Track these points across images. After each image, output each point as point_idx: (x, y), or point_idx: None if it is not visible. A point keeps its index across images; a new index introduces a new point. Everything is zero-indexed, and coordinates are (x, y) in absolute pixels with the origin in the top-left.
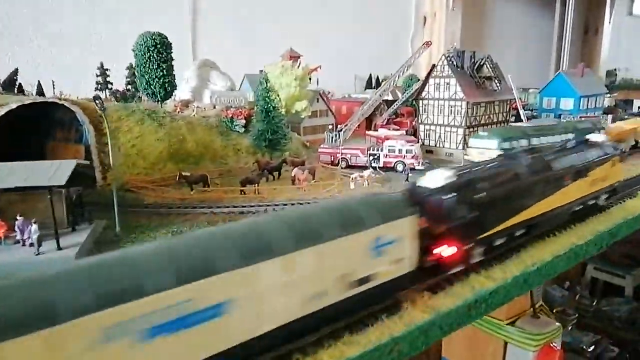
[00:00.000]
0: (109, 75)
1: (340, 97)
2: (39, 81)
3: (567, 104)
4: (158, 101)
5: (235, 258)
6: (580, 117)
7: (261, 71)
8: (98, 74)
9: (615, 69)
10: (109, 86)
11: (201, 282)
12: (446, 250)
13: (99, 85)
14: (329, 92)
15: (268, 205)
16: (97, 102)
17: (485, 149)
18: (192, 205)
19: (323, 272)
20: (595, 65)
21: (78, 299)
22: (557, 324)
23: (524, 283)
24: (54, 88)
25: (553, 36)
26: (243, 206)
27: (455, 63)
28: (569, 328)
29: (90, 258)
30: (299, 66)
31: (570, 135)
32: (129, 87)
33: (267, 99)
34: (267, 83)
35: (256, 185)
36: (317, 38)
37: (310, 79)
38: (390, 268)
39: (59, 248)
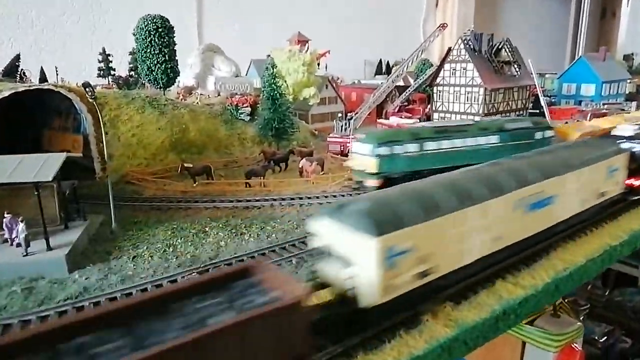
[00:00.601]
0: (111, 61)
1: (350, 83)
2: (41, 67)
3: (589, 89)
4: (160, 88)
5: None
6: (602, 104)
7: (268, 56)
8: (100, 59)
9: (632, 54)
10: (112, 72)
11: (545, 182)
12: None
13: (101, 72)
14: (338, 78)
15: (274, 200)
16: (87, 89)
17: (362, 154)
18: (194, 199)
19: (588, 186)
20: (612, 49)
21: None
22: (579, 323)
23: (555, 290)
24: (57, 74)
25: (569, 19)
26: (248, 200)
27: (472, 47)
28: (581, 318)
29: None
30: (306, 51)
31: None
32: (132, 73)
33: (273, 85)
34: (273, 69)
35: (261, 177)
36: (325, 21)
37: (318, 64)
38: (613, 188)
39: (49, 248)
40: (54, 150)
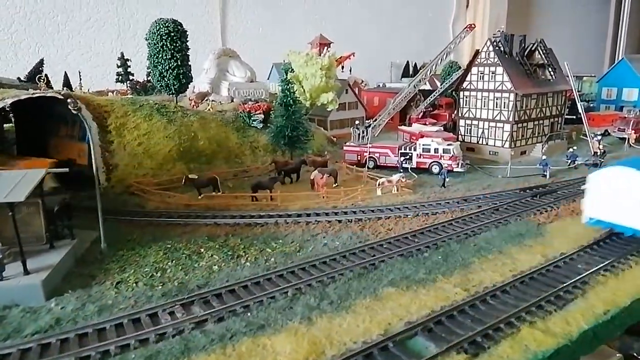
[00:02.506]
0: (129, 66)
1: (374, 87)
2: (65, 72)
3: (631, 94)
4: (172, 94)
5: None
6: None
7: (284, 61)
8: (119, 64)
9: None
10: (130, 78)
11: None
12: None
13: (120, 77)
14: (362, 82)
15: (280, 216)
16: (69, 100)
17: None
18: (196, 213)
19: None
20: None
21: None
22: (618, 355)
23: (594, 338)
24: (80, 79)
25: (609, 18)
26: (251, 216)
27: (502, 49)
28: (618, 333)
29: None
30: (325, 54)
31: None
32: (149, 78)
33: (287, 91)
34: (286, 74)
35: (269, 191)
36: (351, 23)
37: (342, 67)
38: None
39: (26, 272)
40: (59, 159)
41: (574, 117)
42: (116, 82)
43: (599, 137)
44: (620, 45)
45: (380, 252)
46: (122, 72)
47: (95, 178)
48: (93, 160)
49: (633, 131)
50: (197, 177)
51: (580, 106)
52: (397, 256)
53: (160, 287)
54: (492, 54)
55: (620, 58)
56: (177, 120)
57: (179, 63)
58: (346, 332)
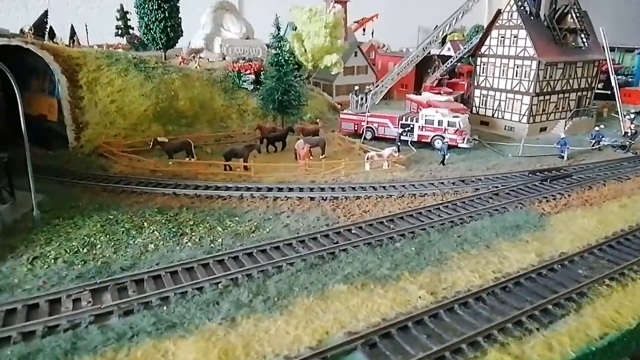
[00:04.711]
0: (129, 19)
1: (392, 52)
2: (71, 25)
3: None
4: (160, 49)
5: None
6: None
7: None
8: (118, 17)
9: None
10: (130, 31)
11: None
12: None
13: (119, 30)
14: (384, 46)
15: (247, 189)
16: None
17: None
18: (158, 181)
19: None
20: None
21: None
22: None
23: None
24: (87, 32)
25: None
26: (216, 187)
27: (528, 10)
28: None
29: None
30: (331, 11)
31: None
32: None
33: (278, 49)
34: (278, 30)
35: (243, 160)
36: None
37: (364, 29)
38: None
39: None
40: (31, 114)
41: (608, 92)
42: (115, 35)
43: (632, 116)
44: None
45: (345, 239)
46: (122, 26)
47: (24, 135)
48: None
49: None
50: (167, 140)
51: (613, 79)
52: (363, 245)
53: (79, 266)
54: (515, 15)
55: None
56: (156, 77)
57: (167, 15)
58: (271, 340)
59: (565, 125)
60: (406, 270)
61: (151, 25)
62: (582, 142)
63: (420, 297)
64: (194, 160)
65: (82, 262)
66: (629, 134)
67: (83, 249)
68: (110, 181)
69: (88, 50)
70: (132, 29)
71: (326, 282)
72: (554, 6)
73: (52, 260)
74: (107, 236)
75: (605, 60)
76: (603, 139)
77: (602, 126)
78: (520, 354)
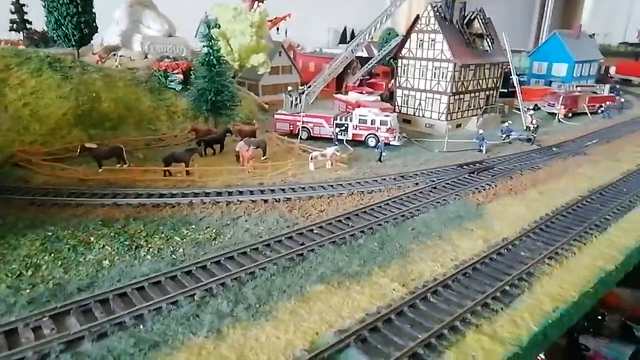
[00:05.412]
0: (26, 13)
1: (309, 52)
2: None
3: (560, 69)
4: (72, 46)
5: None
6: (575, 86)
7: (206, 14)
8: (12, 10)
9: (593, 34)
10: (27, 26)
11: None
12: None
13: (14, 25)
14: (298, 46)
15: (195, 195)
16: None
17: None
18: (92, 191)
19: None
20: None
21: None
22: None
23: (544, 340)
24: None
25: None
26: (161, 195)
27: (443, 15)
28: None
29: None
30: (256, 10)
31: None
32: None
33: (209, 48)
34: (209, 29)
35: (184, 164)
36: None
37: (277, 28)
38: None
39: None
40: None
41: (506, 90)
42: (10, 30)
43: (532, 112)
44: (545, 24)
45: (310, 240)
46: (17, 20)
47: None
48: None
49: (562, 106)
50: (95, 146)
51: (516, 79)
52: (328, 244)
53: (28, 290)
54: (432, 20)
55: (545, 35)
56: (75, 77)
57: (80, 9)
58: (264, 347)
59: (477, 122)
60: (375, 265)
61: (62, 21)
62: (493, 137)
63: (394, 290)
64: (127, 166)
65: (31, 286)
66: (531, 129)
67: (27, 272)
68: (36, 194)
69: None
70: (30, 23)
71: (303, 283)
72: (463, 12)
73: None
74: (51, 255)
75: (508, 62)
76: (512, 133)
77: (509, 122)
78: (493, 333)
